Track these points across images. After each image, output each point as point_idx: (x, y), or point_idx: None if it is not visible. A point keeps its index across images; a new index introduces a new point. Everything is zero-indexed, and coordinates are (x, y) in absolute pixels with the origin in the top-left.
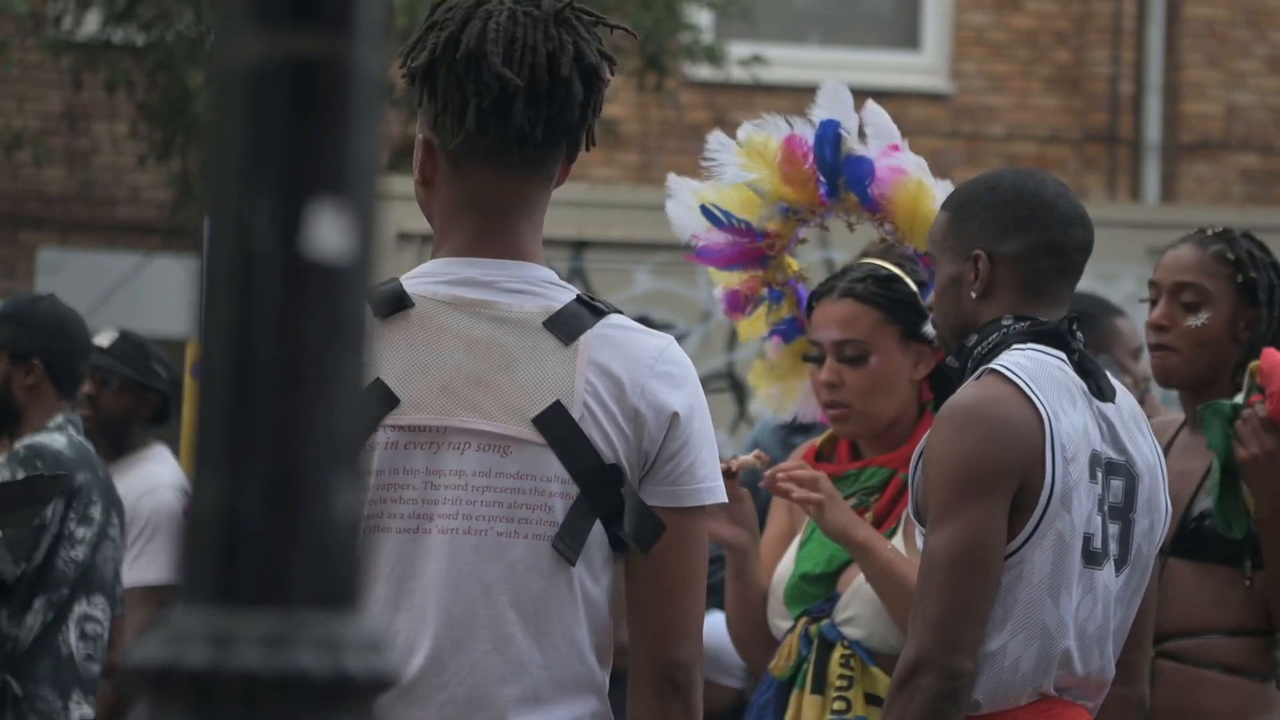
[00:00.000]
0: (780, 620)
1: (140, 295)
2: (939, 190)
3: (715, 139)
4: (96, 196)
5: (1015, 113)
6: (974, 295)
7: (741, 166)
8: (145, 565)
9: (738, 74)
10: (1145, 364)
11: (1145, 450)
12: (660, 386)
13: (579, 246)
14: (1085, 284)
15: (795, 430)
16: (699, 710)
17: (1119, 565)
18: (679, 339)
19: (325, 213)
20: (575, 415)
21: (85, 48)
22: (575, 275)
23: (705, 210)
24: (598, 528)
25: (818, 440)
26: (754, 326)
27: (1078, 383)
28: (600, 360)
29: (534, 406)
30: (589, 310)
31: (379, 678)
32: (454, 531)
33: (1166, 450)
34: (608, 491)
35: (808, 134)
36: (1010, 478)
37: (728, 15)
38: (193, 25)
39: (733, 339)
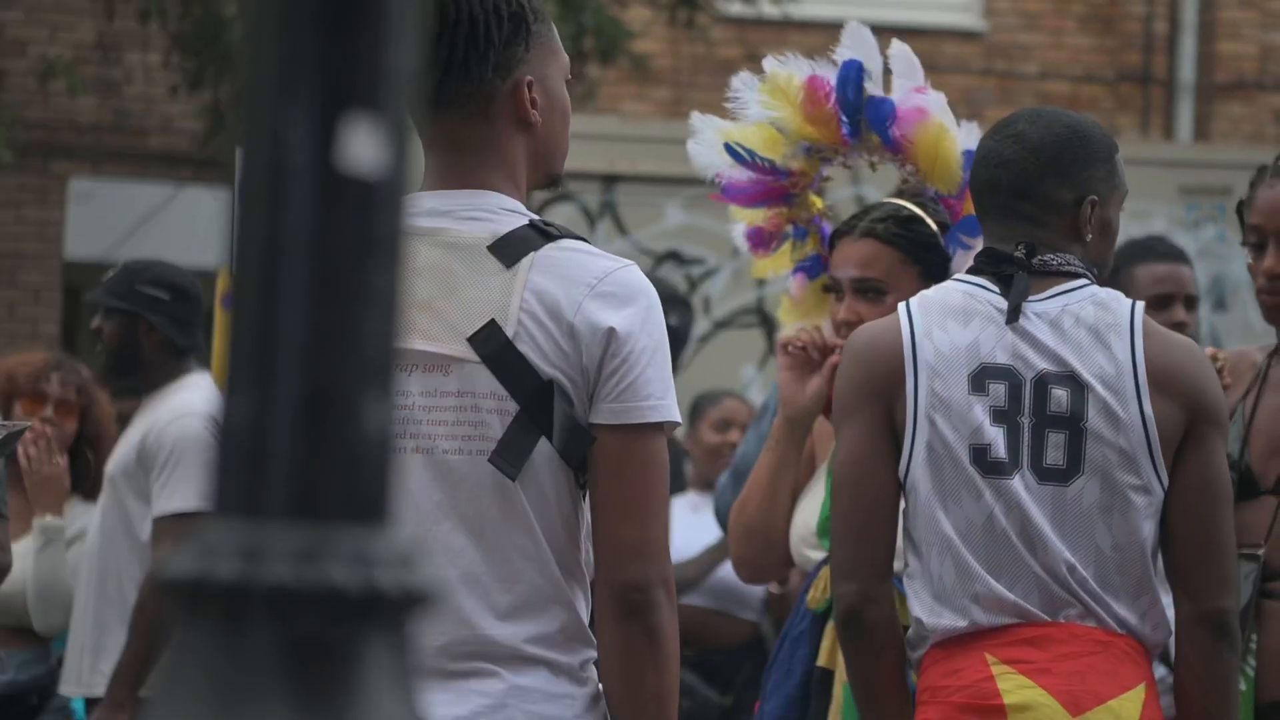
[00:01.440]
0: (811, 551)
1: (171, 226)
2: (962, 132)
3: (739, 78)
4: (128, 126)
5: (1049, 51)
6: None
7: (764, 105)
8: (170, 494)
9: (770, 10)
10: (1180, 312)
11: (1102, 361)
12: (598, 305)
13: (610, 180)
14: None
15: None
16: (662, 631)
17: (1066, 475)
18: (709, 274)
19: (360, 127)
20: (510, 333)
21: None
22: (606, 209)
23: (729, 148)
24: (546, 446)
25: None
26: (776, 263)
27: (990, 303)
28: (539, 280)
29: (470, 326)
30: (540, 234)
31: (411, 592)
32: (404, 450)
33: (1261, 385)
34: (550, 409)
35: (830, 74)
36: (873, 397)
37: None
38: None
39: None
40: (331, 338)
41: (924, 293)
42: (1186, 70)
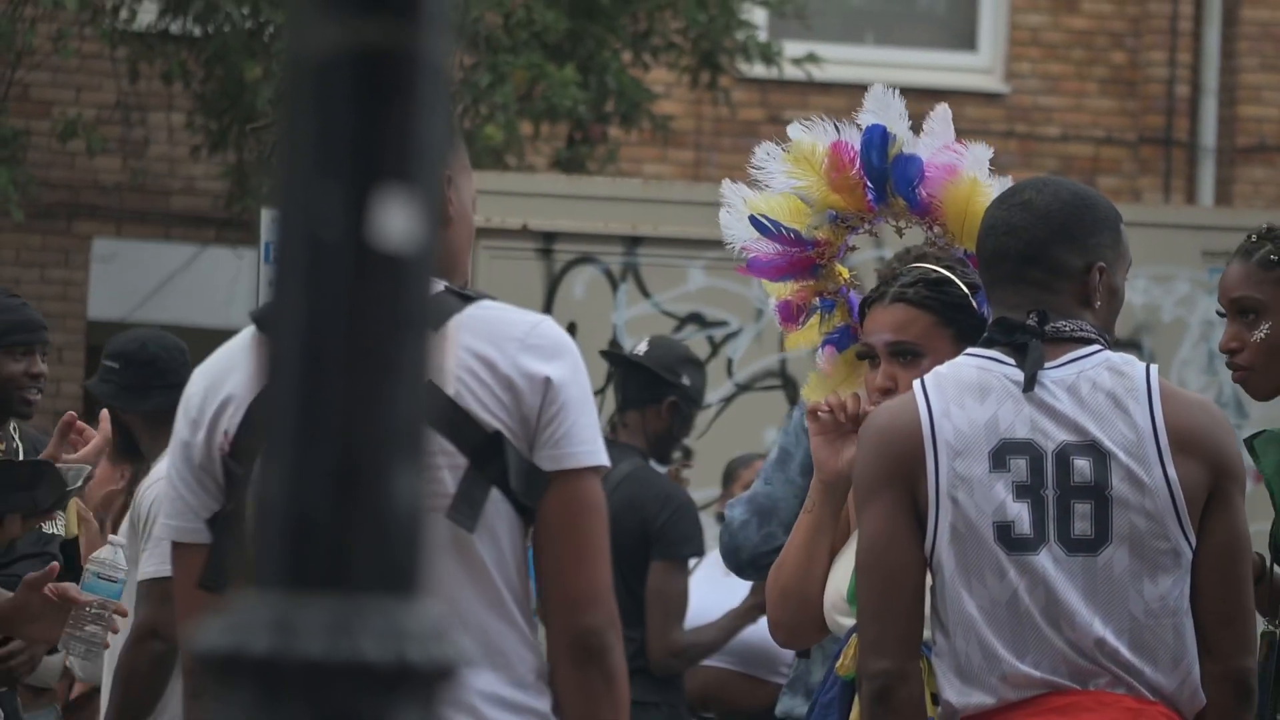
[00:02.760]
0: (842, 617)
1: (194, 286)
2: (996, 188)
3: (763, 148)
4: (151, 187)
5: (1070, 114)
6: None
7: (788, 174)
8: (148, 558)
9: (792, 71)
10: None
11: (1123, 427)
12: (531, 358)
13: (633, 242)
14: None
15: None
16: (618, 671)
17: (1095, 545)
18: (731, 336)
19: (392, 201)
20: (450, 392)
21: (142, 38)
22: (629, 271)
23: (754, 220)
24: (497, 496)
25: None
26: (806, 336)
27: (1005, 376)
28: (469, 340)
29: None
30: (458, 298)
31: (441, 666)
32: None
33: None
34: (498, 460)
35: (854, 138)
36: (894, 479)
37: (782, 14)
38: (249, 17)
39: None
40: (365, 410)
41: (937, 370)
42: (1208, 133)
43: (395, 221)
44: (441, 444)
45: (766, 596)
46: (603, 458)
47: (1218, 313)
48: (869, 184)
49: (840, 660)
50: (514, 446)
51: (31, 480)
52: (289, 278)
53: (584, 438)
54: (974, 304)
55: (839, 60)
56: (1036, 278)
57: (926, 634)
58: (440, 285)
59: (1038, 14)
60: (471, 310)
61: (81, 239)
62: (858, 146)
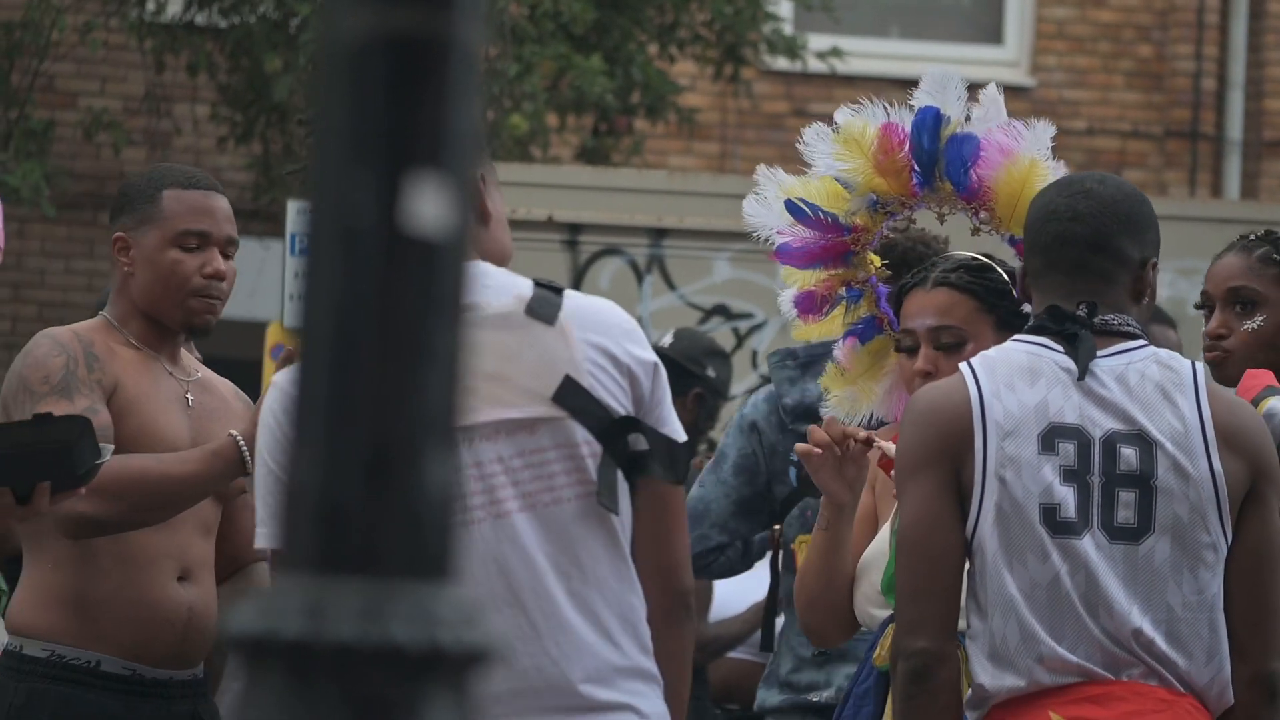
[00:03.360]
0: (875, 609)
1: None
2: (1057, 172)
3: (812, 129)
4: None
5: (1097, 107)
6: (1025, 308)
7: (835, 155)
8: None
9: (816, 64)
10: None
11: (1171, 418)
12: (635, 344)
13: (658, 234)
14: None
15: (800, 417)
16: (695, 630)
17: (1138, 533)
18: (757, 328)
19: (424, 188)
20: (585, 384)
21: (168, 29)
22: (654, 263)
23: (790, 204)
24: (619, 475)
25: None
26: (825, 328)
27: (1056, 363)
28: (584, 331)
29: (549, 385)
30: (550, 290)
31: (471, 650)
32: (510, 513)
33: None
34: (621, 442)
35: (905, 120)
36: (940, 458)
37: (809, 6)
38: (275, 8)
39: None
40: (396, 396)
41: (985, 353)
42: (1235, 127)
43: (428, 207)
44: (583, 434)
45: (796, 606)
46: (681, 435)
47: (1195, 305)
48: (916, 168)
49: (876, 651)
50: (637, 428)
51: (68, 440)
52: (322, 264)
53: (674, 417)
54: (1014, 291)
55: (864, 53)
56: (1100, 266)
57: (961, 623)
58: (524, 280)
59: (1064, 7)
60: (567, 303)
61: (107, 230)
62: (908, 129)
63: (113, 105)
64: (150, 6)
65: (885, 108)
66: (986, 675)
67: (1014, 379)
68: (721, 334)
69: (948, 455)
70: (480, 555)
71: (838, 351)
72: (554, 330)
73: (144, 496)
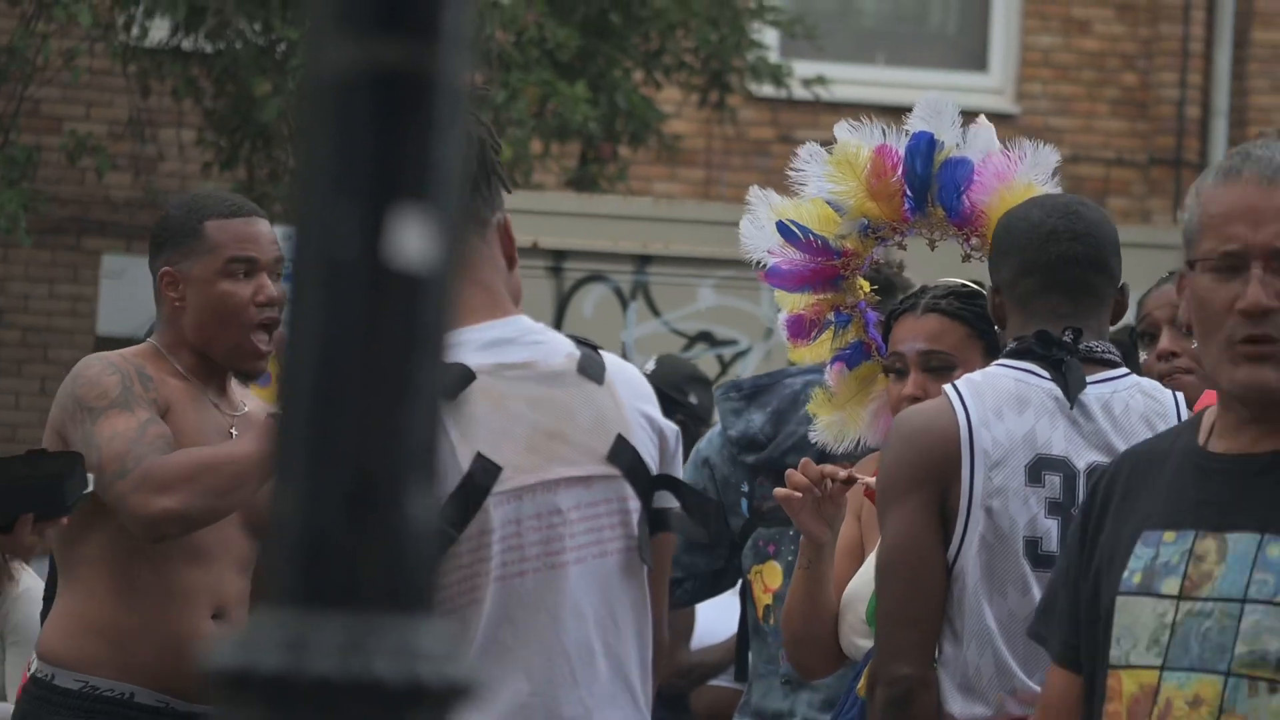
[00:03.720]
0: (861, 639)
1: None
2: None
3: (806, 149)
4: (161, 203)
5: (1081, 135)
6: (998, 329)
7: (828, 177)
8: None
9: (801, 91)
10: None
11: None
12: (656, 410)
13: (643, 261)
14: None
15: (745, 448)
16: None
17: None
18: (741, 355)
19: (409, 220)
20: (634, 443)
21: (152, 54)
22: (638, 289)
23: (781, 226)
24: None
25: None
26: (814, 352)
27: (1044, 391)
28: (626, 391)
29: (604, 444)
30: (591, 349)
31: (453, 685)
32: (565, 565)
33: None
34: (651, 499)
35: (900, 144)
36: (925, 483)
37: (793, 35)
38: (261, 33)
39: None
40: (378, 430)
41: (969, 377)
42: (1219, 154)
43: (412, 241)
44: (630, 491)
45: (783, 642)
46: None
47: (1132, 331)
48: (908, 193)
49: (861, 681)
50: (685, 485)
51: (60, 473)
52: (305, 296)
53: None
54: None
55: (850, 80)
56: (1099, 287)
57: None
58: (568, 338)
59: (1049, 35)
60: (609, 362)
61: (91, 255)
62: (902, 153)
63: (98, 130)
64: (135, 31)
65: (882, 130)
66: (956, 704)
67: (1002, 406)
68: (705, 360)
69: (932, 479)
70: (533, 604)
71: (827, 377)
72: (604, 389)
73: (215, 480)
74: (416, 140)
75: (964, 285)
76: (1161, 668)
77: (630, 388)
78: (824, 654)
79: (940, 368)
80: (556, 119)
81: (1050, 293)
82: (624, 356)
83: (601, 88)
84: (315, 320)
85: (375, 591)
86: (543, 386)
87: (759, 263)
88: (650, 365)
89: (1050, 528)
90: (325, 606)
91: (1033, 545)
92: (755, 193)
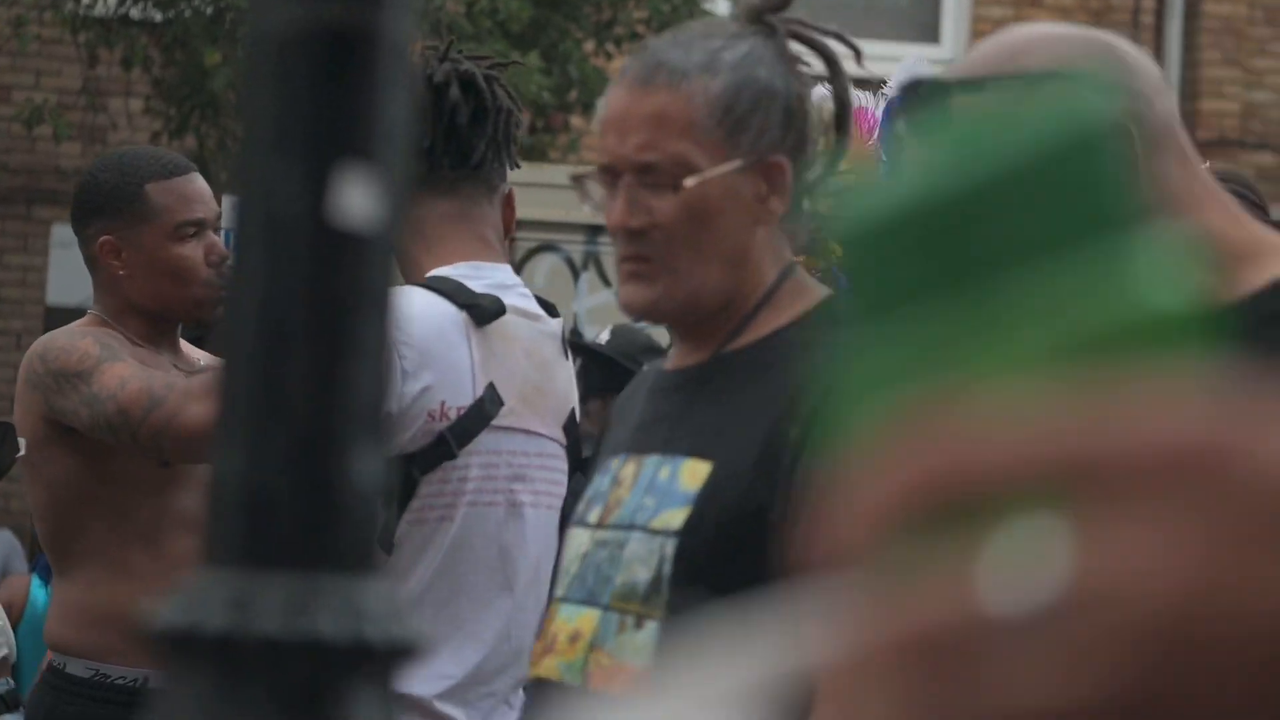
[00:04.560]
0: None
1: None
2: None
3: None
4: None
5: None
6: None
7: None
8: None
9: None
10: None
11: None
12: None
13: (594, 231)
14: None
15: None
16: None
17: None
18: None
19: (353, 179)
20: (578, 419)
21: (102, 23)
22: (590, 259)
23: None
24: None
25: None
26: None
27: None
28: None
29: (563, 414)
30: (548, 309)
31: (398, 645)
32: (525, 505)
33: None
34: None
35: (878, 108)
36: None
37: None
38: (210, 2)
39: None
40: (323, 389)
41: None
42: None
43: (356, 199)
44: (565, 462)
45: None
46: None
47: None
48: (883, 156)
49: None
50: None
51: None
52: (248, 254)
53: None
54: None
55: (801, 52)
56: None
57: None
58: (549, 307)
59: (1000, 7)
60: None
61: (41, 224)
62: (878, 115)
63: (48, 99)
64: (84, 0)
65: (859, 94)
66: None
67: None
68: (659, 330)
69: None
70: (492, 536)
71: None
72: (569, 365)
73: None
74: (361, 98)
75: None
76: (562, 600)
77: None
78: None
79: None
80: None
81: None
82: (576, 326)
83: (554, 58)
84: (258, 278)
85: (320, 551)
86: (537, 341)
87: None
88: (605, 335)
89: None
90: (270, 566)
91: None
92: None
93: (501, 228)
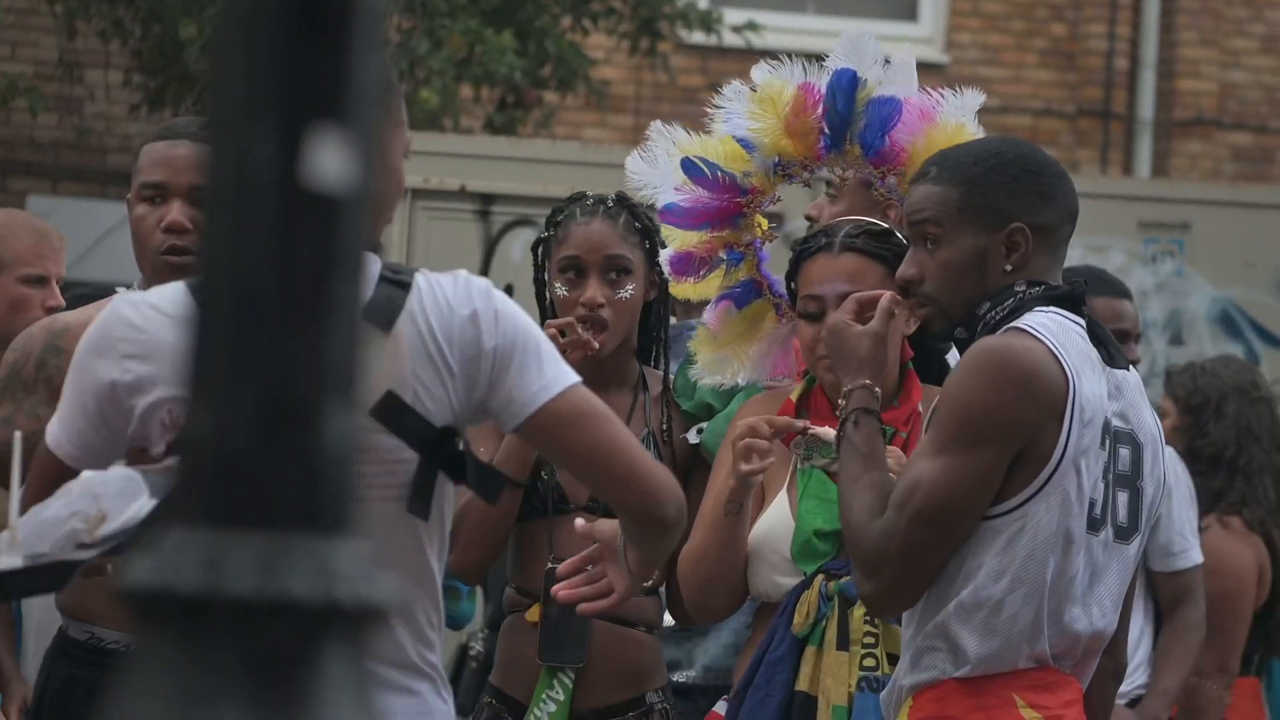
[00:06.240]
0: (783, 578)
1: (129, 245)
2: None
3: (731, 88)
4: (88, 144)
5: (1010, 85)
6: (1008, 268)
7: (749, 114)
8: None
9: (732, 39)
10: (1133, 350)
11: (1149, 420)
12: (472, 334)
13: None
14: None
15: None
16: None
17: (1128, 534)
18: None
19: (325, 141)
20: (408, 399)
21: None
22: None
23: (687, 163)
24: (443, 479)
25: (793, 394)
26: (700, 290)
27: (1090, 349)
28: (418, 337)
29: (369, 399)
30: (396, 286)
31: (367, 605)
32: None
33: None
34: (445, 447)
35: (822, 82)
36: (1021, 432)
37: None
38: None
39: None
40: (294, 350)
41: (1043, 323)
42: (1146, 107)
43: (328, 161)
44: (396, 444)
45: (682, 585)
46: (566, 378)
47: (808, 311)
48: (826, 130)
49: (795, 619)
50: (467, 444)
51: None
52: (220, 217)
53: (542, 376)
54: None
55: (781, 28)
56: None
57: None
58: (376, 267)
59: None
60: (412, 301)
61: (17, 195)
62: (823, 90)
63: (24, 70)
64: None
65: (804, 67)
66: (975, 641)
67: (1081, 365)
68: None
69: (1029, 426)
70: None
71: (708, 315)
72: (389, 339)
73: None
74: (332, 61)
75: (873, 223)
76: None
77: (429, 326)
78: (731, 595)
79: None
80: (481, 67)
81: (1061, 246)
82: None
83: (529, 34)
84: (230, 241)
85: (291, 512)
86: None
87: (651, 200)
88: None
89: (1101, 491)
90: (241, 527)
91: (1091, 507)
92: (658, 128)
93: None
